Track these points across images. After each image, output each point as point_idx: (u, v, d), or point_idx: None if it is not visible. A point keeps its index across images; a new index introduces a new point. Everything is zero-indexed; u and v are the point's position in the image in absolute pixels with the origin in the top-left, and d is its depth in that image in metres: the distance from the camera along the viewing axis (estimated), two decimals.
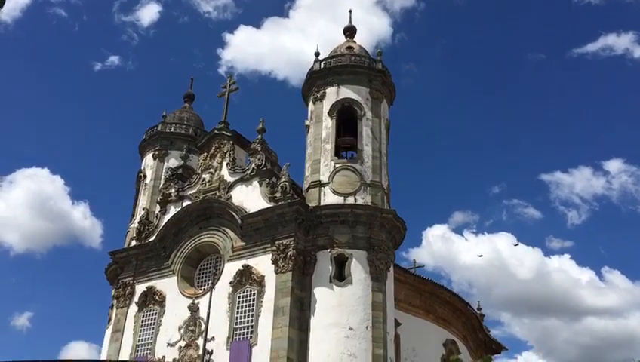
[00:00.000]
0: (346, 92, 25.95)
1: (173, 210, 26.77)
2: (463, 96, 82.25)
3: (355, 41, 29.27)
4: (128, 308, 26.01)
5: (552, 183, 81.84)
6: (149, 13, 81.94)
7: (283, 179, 24.04)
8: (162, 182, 29.40)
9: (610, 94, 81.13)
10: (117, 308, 26.56)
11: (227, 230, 24.68)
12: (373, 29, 70.22)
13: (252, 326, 22.03)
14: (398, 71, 76.38)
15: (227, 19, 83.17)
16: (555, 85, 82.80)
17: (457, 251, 74.91)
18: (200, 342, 22.37)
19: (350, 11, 30.74)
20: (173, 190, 27.31)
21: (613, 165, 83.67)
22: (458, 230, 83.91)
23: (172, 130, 32.49)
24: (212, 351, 22.01)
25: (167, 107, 33.86)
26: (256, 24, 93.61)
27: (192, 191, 26.70)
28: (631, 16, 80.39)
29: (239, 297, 22.92)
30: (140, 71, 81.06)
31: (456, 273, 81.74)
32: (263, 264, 22.91)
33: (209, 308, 21.02)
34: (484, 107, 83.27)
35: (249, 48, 78.69)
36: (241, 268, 23.17)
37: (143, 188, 31.36)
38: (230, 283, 23.21)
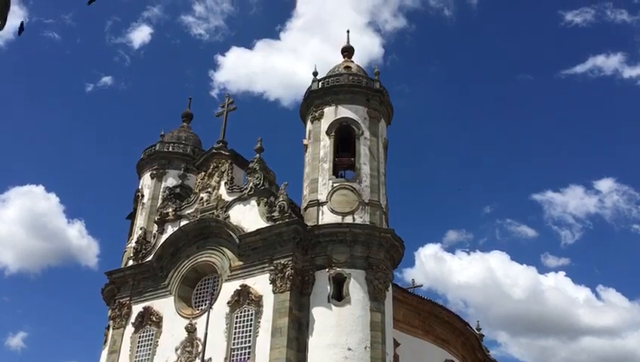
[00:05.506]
0: (344, 111, 26.02)
1: (170, 230, 26.67)
2: (454, 117, 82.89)
3: (352, 61, 29.43)
4: (125, 329, 25.80)
5: (545, 202, 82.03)
6: (140, 35, 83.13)
7: (281, 198, 23.98)
8: (160, 201, 29.35)
9: (600, 114, 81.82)
10: (113, 329, 26.31)
11: (225, 249, 24.55)
12: (366, 50, 70.94)
13: (250, 347, 21.82)
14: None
15: (219, 41, 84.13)
16: (545, 106, 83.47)
17: (450, 271, 74.82)
18: None
19: (348, 31, 31.28)
20: (170, 209, 27.24)
21: (604, 184, 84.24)
22: (451, 249, 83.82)
23: (170, 149, 32.41)
24: None
25: (161, 127, 33.93)
26: (248, 46, 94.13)
27: (189, 211, 26.62)
28: (619, 37, 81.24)
29: (237, 317, 22.73)
30: (132, 91, 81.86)
31: (451, 293, 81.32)
32: (260, 284, 22.76)
33: (206, 329, 20.74)
34: (475, 127, 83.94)
35: (241, 69, 79.46)
36: (239, 288, 23.01)
37: (141, 207, 31.23)
38: (228, 303, 23.02)
